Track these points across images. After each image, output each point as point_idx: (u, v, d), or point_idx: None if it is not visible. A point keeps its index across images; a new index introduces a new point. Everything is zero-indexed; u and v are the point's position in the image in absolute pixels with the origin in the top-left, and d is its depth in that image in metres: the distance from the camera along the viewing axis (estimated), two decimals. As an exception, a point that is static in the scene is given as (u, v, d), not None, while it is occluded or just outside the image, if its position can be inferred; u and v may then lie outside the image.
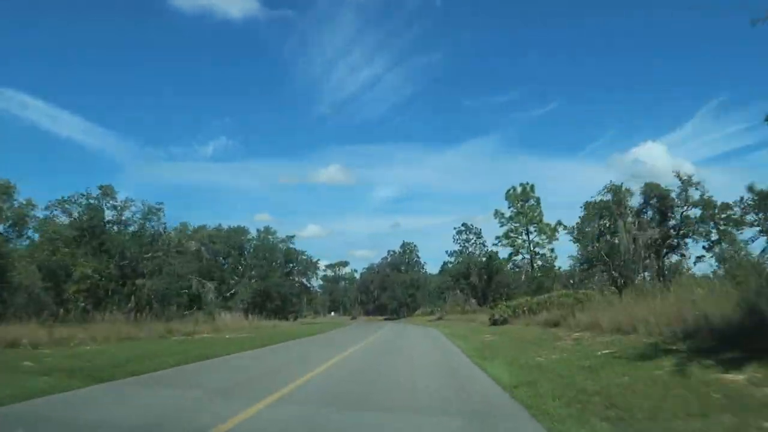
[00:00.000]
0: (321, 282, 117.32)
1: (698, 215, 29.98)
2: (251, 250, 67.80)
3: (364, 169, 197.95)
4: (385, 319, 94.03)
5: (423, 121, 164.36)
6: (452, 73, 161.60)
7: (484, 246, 73.28)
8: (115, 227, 33.94)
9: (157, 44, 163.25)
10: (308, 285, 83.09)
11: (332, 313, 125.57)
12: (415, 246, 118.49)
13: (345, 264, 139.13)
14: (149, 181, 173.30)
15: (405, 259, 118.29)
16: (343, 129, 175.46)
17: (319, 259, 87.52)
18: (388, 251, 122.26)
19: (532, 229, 58.82)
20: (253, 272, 64.31)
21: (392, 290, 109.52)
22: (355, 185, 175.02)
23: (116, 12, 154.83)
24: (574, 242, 35.26)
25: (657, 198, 30.32)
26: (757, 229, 27.05)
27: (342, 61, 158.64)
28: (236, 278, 60.63)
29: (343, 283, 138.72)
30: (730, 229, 29.29)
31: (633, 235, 28.58)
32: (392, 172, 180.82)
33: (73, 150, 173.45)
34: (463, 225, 77.22)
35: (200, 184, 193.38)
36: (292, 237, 75.09)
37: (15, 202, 27.23)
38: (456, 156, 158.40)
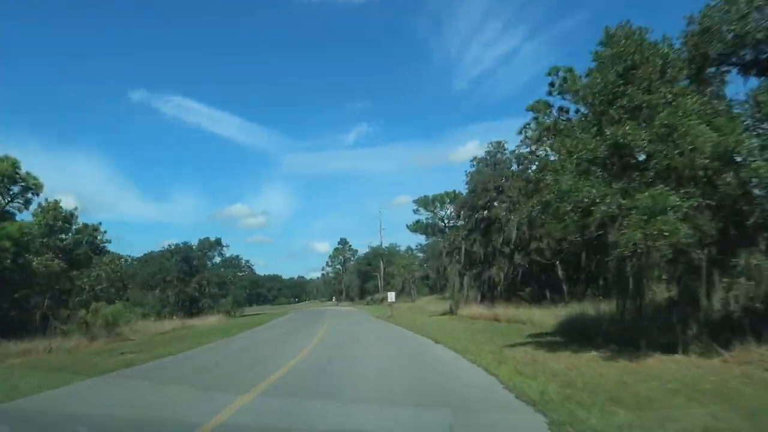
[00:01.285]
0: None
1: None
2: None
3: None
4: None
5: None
6: (594, 37, 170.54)
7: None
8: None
9: (289, 41, 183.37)
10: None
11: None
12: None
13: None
14: (297, 170, 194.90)
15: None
16: (481, 105, 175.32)
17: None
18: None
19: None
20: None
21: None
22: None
23: (250, 12, 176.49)
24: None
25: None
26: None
27: (477, 35, 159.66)
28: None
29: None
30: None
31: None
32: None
33: (231, 147, 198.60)
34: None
35: (343, 171, 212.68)
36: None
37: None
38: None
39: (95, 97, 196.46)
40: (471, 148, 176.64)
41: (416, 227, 71.32)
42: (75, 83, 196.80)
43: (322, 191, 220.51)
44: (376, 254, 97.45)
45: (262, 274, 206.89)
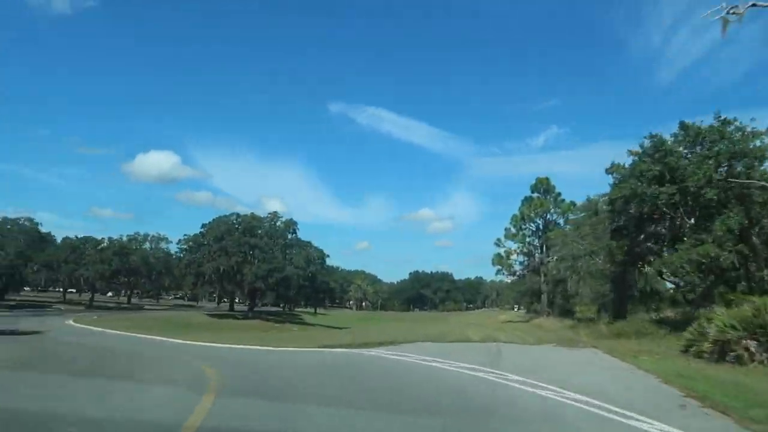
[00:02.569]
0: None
1: None
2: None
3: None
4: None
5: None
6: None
7: None
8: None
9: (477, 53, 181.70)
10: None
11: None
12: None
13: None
14: (484, 175, 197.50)
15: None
16: (686, 100, 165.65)
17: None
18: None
19: None
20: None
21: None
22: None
23: (437, 21, 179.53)
24: None
25: None
26: None
27: (683, 24, 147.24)
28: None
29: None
30: None
31: None
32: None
33: (420, 153, 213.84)
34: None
35: (531, 176, 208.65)
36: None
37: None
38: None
39: (297, 110, 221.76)
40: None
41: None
42: (281, 100, 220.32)
43: (509, 196, 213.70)
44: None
45: (433, 269, 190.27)
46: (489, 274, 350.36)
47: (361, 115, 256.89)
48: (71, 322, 43.81)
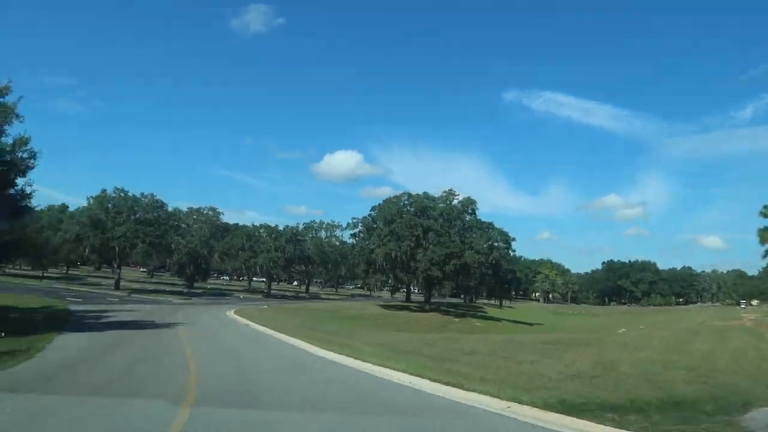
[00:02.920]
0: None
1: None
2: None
3: None
4: None
5: None
6: None
7: None
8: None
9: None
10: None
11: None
12: None
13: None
14: (678, 156, 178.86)
15: None
16: None
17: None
18: None
19: None
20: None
21: None
22: None
23: None
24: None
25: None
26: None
27: None
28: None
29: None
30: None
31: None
32: None
33: (602, 136, 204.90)
34: None
35: (737, 154, 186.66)
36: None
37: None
38: None
39: (472, 101, 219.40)
40: None
41: None
42: (457, 92, 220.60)
43: (711, 178, 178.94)
44: None
45: (625, 259, 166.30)
46: (698, 264, 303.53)
47: (536, 101, 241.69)
48: (231, 313, 38.86)
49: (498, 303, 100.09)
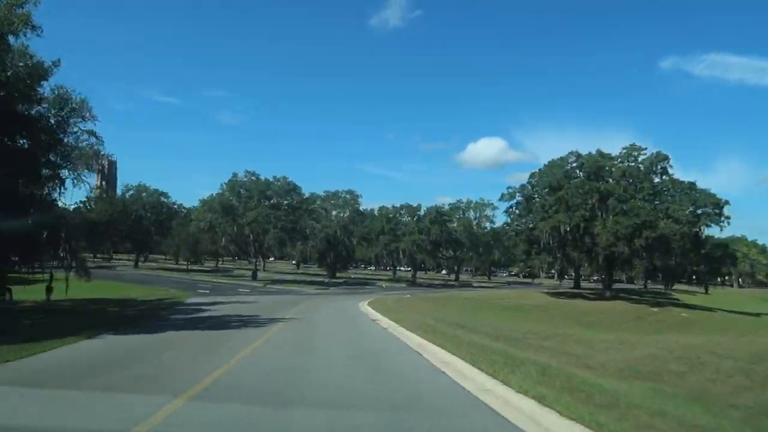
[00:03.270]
0: None
1: None
2: None
3: None
4: None
5: None
6: None
7: None
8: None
9: None
10: None
11: None
12: None
13: None
14: None
15: None
16: None
17: None
18: None
19: None
20: None
21: None
22: None
23: None
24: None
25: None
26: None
27: None
28: None
29: None
30: None
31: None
32: None
33: None
34: None
35: None
36: None
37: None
38: None
39: (623, 74, 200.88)
40: None
41: None
42: (603, 68, 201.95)
43: None
44: None
45: None
46: None
47: (698, 65, 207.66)
48: (363, 305, 30.66)
49: (701, 288, 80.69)
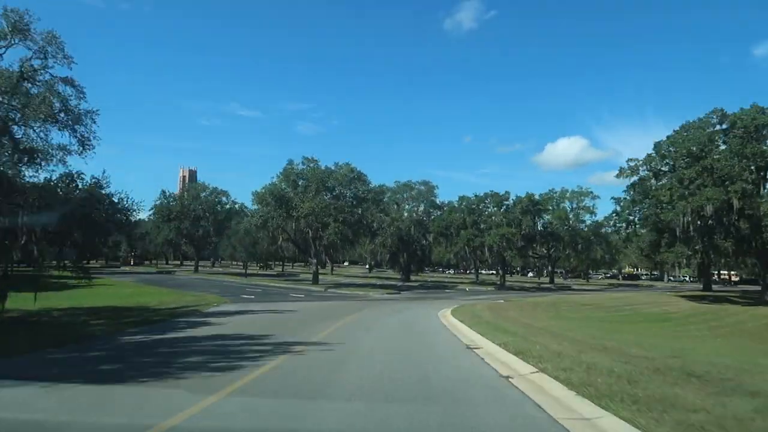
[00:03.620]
0: None
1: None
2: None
3: None
4: None
5: None
6: None
7: None
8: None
9: None
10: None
11: None
12: None
13: None
14: None
15: None
16: None
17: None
18: None
19: None
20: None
21: None
22: None
23: None
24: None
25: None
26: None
27: None
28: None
29: None
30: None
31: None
32: None
33: None
34: None
35: None
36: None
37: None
38: None
39: (709, 63, 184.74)
40: None
41: None
42: (686, 58, 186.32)
43: None
44: None
45: None
46: None
47: None
48: (445, 314, 21.02)
49: None
